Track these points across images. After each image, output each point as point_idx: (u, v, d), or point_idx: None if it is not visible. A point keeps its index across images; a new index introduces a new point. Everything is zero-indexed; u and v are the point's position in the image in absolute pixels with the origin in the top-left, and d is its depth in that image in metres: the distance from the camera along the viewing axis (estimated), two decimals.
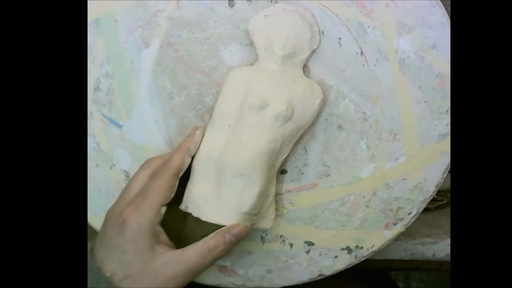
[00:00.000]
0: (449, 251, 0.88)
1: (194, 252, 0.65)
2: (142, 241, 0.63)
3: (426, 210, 0.75)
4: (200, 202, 0.69)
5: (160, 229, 0.65)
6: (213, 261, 0.66)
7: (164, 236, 0.66)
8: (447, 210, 0.95)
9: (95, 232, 0.74)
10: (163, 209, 0.65)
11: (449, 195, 0.94)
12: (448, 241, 0.89)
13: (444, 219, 0.93)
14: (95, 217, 0.76)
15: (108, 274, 0.64)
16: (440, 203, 0.95)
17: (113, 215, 0.66)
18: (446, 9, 0.69)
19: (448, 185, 0.75)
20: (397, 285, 0.93)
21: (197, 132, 0.69)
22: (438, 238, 0.90)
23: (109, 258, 0.64)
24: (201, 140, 0.69)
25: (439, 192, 0.85)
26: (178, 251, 0.65)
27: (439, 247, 0.89)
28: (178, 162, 0.67)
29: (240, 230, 0.67)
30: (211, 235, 0.66)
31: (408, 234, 0.79)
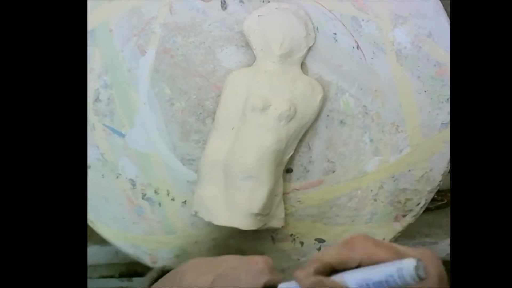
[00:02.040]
0: (449, 251, 0.89)
1: None
2: None
3: (426, 210, 0.78)
4: (210, 206, 0.71)
5: None
6: None
7: None
8: (447, 210, 0.96)
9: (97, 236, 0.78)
10: None
11: (449, 195, 0.95)
12: (448, 241, 0.91)
13: (444, 219, 0.94)
14: (105, 228, 0.78)
15: None
16: (440, 203, 0.96)
17: None
18: (446, 10, 0.72)
19: (448, 185, 0.77)
20: None
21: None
22: (438, 238, 0.92)
23: None
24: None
25: (439, 192, 0.86)
26: None
27: (439, 247, 0.90)
28: None
29: None
30: None
31: (408, 234, 0.81)
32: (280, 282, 0.57)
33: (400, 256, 0.51)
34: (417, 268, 0.48)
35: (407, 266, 0.48)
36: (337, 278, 0.52)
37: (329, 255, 0.53)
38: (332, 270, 0.53)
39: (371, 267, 0.52)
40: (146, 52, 0.74)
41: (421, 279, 0.48)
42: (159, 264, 0.79)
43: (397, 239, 0.78)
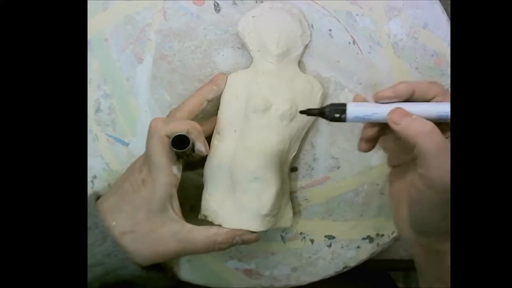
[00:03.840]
0: None
1: (202, 239, 0.69)
2: (156, 203, 0.68)
3: None
4: (219, 210, 0.73)
5: (175, 193, 0.69)
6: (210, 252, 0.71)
7: (176, 202, 0.70)
8: None
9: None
10: (175, 169, 0.69)
11: None
12: None
13: None
14: None
15: (113, 223, 0.68)
16: None
17: (134, 172, 0.70)
18: (446, 9, 0.73)
19: None
20: (396, 285, 0.96)
21: (219, 77, 0.74)
22: None
23: (120, 209, 0.69)
24: (222, 88, 0.74)
25: None
26: (189, 228, 0.69)
27: None
28: (191, 104, 0.72)
29: (251, 239, 0.72)
30: (224, 231, 0.71)
31: None
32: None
33: None
34: None
35: None
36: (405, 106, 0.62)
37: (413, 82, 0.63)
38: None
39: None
40: (143, 60, 0.76)
41: None
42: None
43: (396, 238, 0.80)
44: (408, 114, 0.60)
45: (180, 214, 0.70)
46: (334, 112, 0.63)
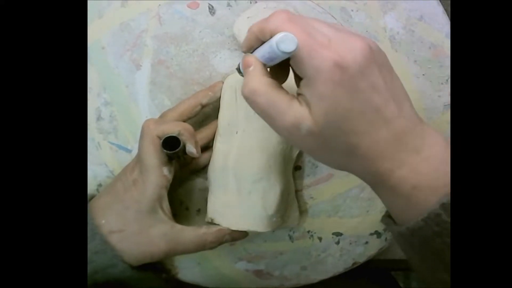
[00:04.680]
0: None
1: (192, 239, 0.70)
2: (145, 204, 0.69)
3: None
4: (225, 212, 0.73)
5: (165, 194, 0.70)
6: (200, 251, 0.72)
7: (166, 204, 0.70)
8: None
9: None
10: (165, 170, 0.69)
11: None
12: None
13: None
14: None
15: (103, 221, 0.69)
16: None
17: (127, 172, 0.71)
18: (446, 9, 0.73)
19: None
20: (396, 282, 0.96)
21: (216, 84, 0.75)
22: None
23: (111, 208, 0.70)
24: (218, 95, 0.74)
25: None
26: (179, 228, 0.70)
27: None
28: (184, 106, 0.73)
29: (240, 236, 0.73)
30: (214, 230, 0.71)
31: None
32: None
33: (309, 36, 0.55)
34: (279, 42, 0.52)
35: (274, 39, 0.53)
36: (254, 52, 0.61)
37: (254, 25, 0.59)
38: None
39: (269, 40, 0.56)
40: (141, 66, 0.76)
41: (284, 52, 0.53)
42: (182, 275, 0.82)
43: None
44: (247, 66, 0.60)
45: (170, 215, 0.71)
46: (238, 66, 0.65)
